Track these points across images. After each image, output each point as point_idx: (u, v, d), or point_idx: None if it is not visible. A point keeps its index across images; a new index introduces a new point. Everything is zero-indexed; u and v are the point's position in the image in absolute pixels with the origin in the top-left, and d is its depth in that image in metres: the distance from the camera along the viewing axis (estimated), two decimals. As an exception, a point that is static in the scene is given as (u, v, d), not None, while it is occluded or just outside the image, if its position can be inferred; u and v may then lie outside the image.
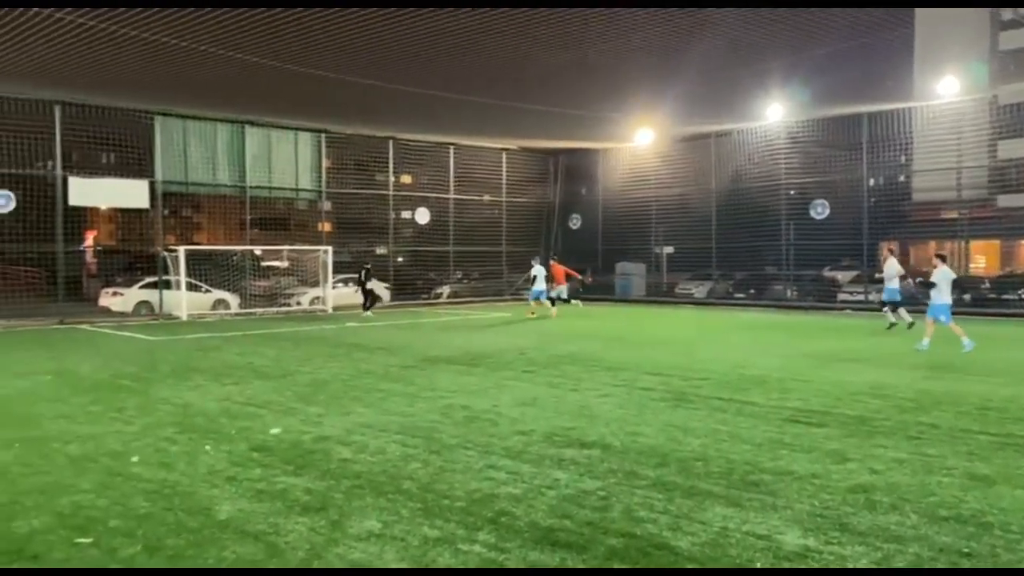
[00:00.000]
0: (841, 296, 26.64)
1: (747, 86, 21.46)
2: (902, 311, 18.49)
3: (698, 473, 6.44)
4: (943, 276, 14.72)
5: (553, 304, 24.38)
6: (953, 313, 15.02)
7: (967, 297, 18.63)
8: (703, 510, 5.50)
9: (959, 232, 26.52)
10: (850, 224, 25.92)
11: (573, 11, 14.60)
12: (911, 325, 17.72)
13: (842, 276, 27.80)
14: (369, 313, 24.14)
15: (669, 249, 32.00)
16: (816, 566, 4.58)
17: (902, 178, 28.41)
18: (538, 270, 23.78)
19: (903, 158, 26.77)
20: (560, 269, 25.53)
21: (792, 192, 27.97)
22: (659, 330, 19.65)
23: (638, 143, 31.02)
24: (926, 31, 35.45)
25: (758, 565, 4.59)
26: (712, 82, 20.28)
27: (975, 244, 28.30)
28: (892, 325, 18.48)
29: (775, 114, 27.24)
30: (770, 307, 26.88)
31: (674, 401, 9.64)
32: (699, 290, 30.57)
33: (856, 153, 26.18)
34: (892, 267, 18.65)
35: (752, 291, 29.35)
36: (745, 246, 28.43)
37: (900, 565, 4.58)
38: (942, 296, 14.63)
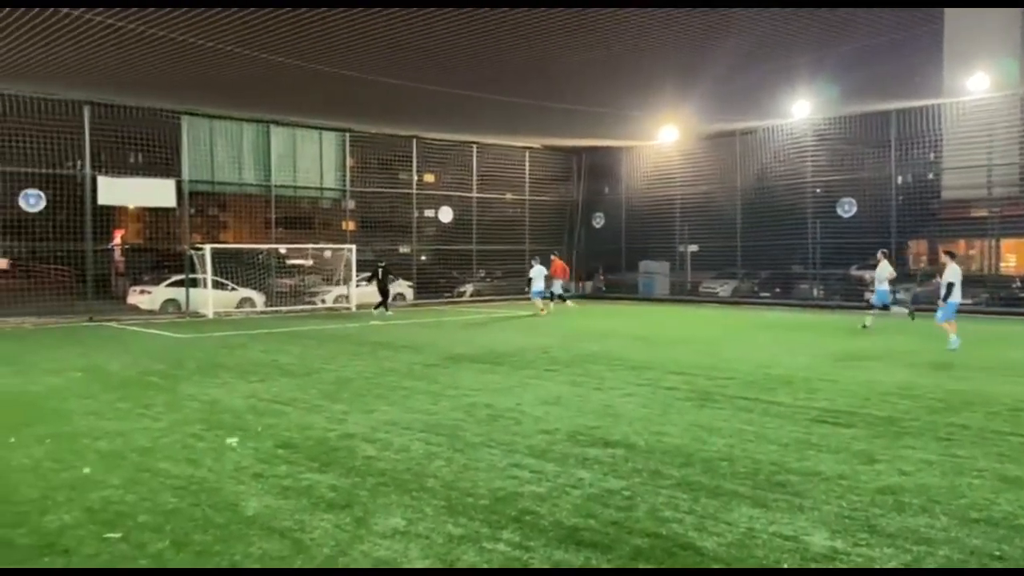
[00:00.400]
0: (868, 295, 26.31)
1: (774, 82, 21.26)
2: (895, 308, 19.07)
3: (723, 473, 6.39)
4: (958, 275, 14.50)
5: (564, 302, 25.28)
6: (959, 312, 14.91)
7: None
8: (729, 510, 5.46)
9: (989, 230, 26.08)
10: (878, 222, 25.62)
11: (594, 11, 14.54)
12: (913, 316, 18.43)
13: (869, 275, 27.44)
14: (389, 312, 24.24)
15: (693, 248, 31.81)
16: (844, 567, 4.53)
17: (931, 176, 28.00)
18: (536, 271, 24.42)
19: (932, 155, 26.39)
20: (560, 264, 26.20)
21: (818, 190, 27.69)
22: (683, 329, 19.54)
23: (662, 141, 30.88)
24: (955, 27, 34.91)
25: (785, 566, 4.55)
26: (737, 79, 20.12)
27: (1006, 243, 27.81)
28: (865, 326, 18.74)
29: (802, 111, 26.98)
30: (796, 306, 26.64)
31: (699, 401, 9.58)
32: (724, 289, 30.37)
33: (884, 150, 25.86)
34: (884, 270, 18.89)
35: (778, 290, 29.10)
36: (770, 244, 28.20)
37: (930, 567, 4.52)
38: (953, 296, 14.39)
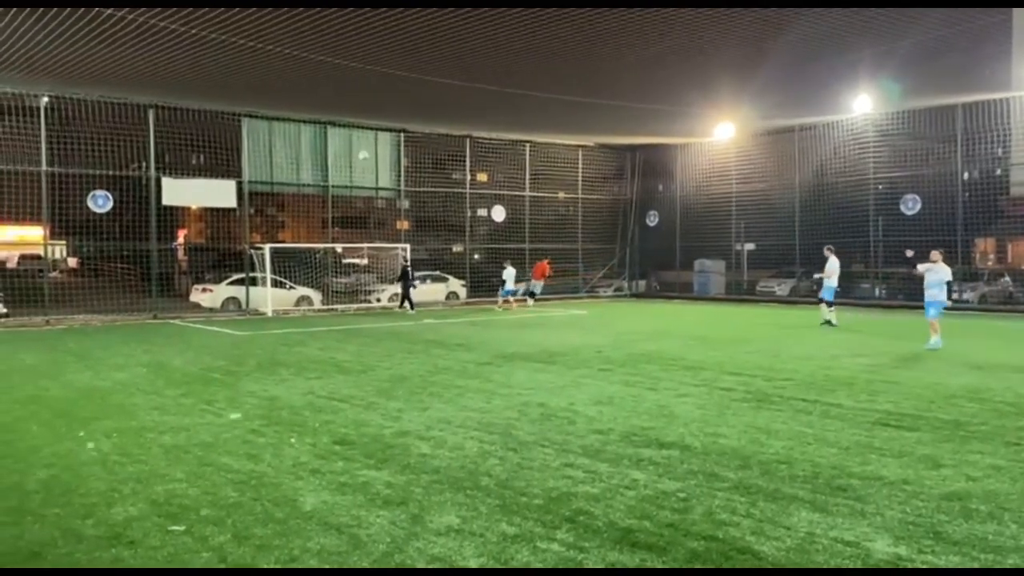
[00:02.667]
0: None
1: (839, 75, 20.73)
2: (829, 311, 19.26)
3: (782, 476, 6.28)
4: (947, 274, 14.89)
5: (533, 297, 27.73)
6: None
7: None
8: (788, 514, 5.36)
9: (1062, 228, 25.18)
10: (943, 219, 24.87)
11: (653, 10, 14.39)
12: (829, 323, 18.93)
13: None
14: (410, 311, 24.55)
15: (750, 246, 31.33)
16: (908, 567, 4.41)
17: (999, 172, 27.08)
18: (508, 273, 26.45)
19: (1000, 150, 25.50)
20: (543, 268, 28.13)
21: (880, 187, 27.00)
22: (740, 329, 19.23)
23: (717, 138, 30.47)
24: (1025, 17, 33.66)
25: (848, 568, 4.44)
26: (797, 74, 19.72)
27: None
28: (827, 322, 19.17)
29: (863, 106, 26.30)
30: (857, 306, 25.99)
31: (756, 402, 9.43)
32: (781, 288, 29.84)
33: (950, 146, 25.09)
34: (832, 265, 19.13)
35: (838, 289, 28.40)
36: (830, 242, 27.50)
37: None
38: (940, 294, 14.73)
